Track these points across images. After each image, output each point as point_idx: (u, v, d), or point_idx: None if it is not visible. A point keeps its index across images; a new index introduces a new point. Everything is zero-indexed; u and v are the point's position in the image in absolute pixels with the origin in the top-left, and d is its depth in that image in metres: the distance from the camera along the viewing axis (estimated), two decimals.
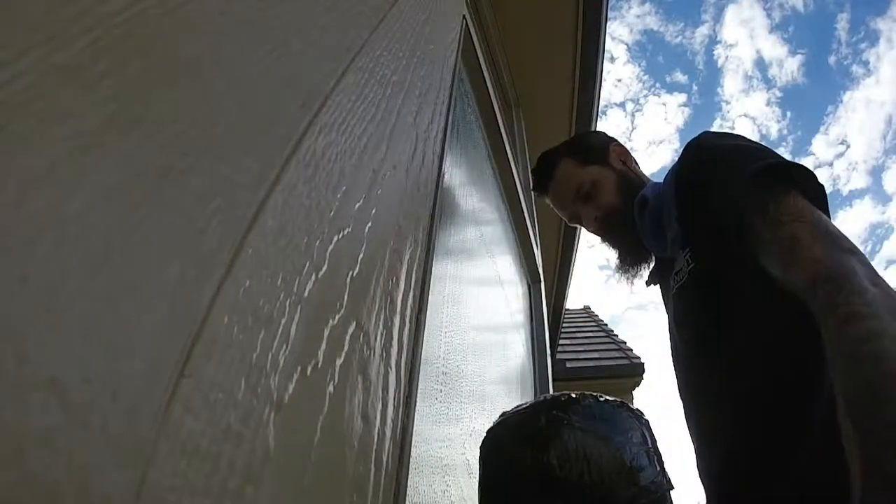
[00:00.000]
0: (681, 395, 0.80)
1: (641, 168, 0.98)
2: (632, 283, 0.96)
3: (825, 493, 0.61)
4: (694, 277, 0.76)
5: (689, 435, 0.79)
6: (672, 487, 0.31)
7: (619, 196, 0.91)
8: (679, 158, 0.80)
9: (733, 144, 0.73)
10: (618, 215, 0.91)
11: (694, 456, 0.77)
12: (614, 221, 0.92)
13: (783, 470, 0.63)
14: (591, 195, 0.93)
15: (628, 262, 0.94)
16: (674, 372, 0.84)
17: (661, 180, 0.86)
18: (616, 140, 0.99)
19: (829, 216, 0.63)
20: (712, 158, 0.73)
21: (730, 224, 0.67)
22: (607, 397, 0.51)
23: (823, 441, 0.63)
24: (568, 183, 0.95)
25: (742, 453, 0.68)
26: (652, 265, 0.97)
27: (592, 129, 1.04)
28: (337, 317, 0.30)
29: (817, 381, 0.65)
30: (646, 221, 0.84)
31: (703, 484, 0.75)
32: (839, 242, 0.57)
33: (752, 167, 0.65)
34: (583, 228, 1.05)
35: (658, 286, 0.97)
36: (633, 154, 0.99)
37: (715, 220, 0.70)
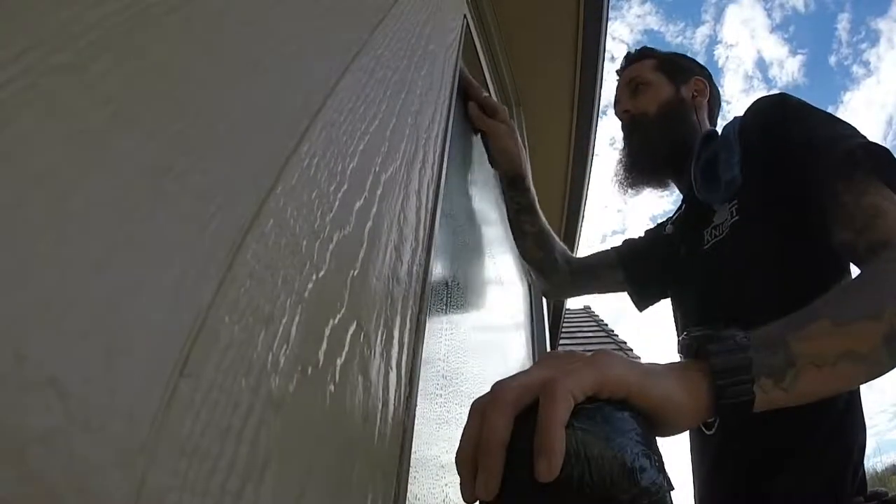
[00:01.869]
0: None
1: (708, 122, 0.95)
2: (625, 194, 0.97)
3: (821, 495, 0.61)
4: (735, 232, 0.73)
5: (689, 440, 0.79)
6: (673, 488, 0.31)
7: (657, 110, 0.92)
8: (754, 109, 0.77)
9: (824, 113, 0.70)
10: (644, 124, 0.93)
11: (690, 457, 0.77)
12: (638, 127, 0.94)
13: (781, 470, 0.63)
14: (637, 91, 0.96)
15: (629, 172, 0.95)
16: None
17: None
18: (706, 78, 0.97)
19: None
20: (800, 115, 0.70)
21: (812, 180, 0.64)
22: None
23: (825, 442, 0.63)
24: (634, 72, 0.98)
25: (743, 451, 0.68)
26: (654, 189, 0.96)
27: (689, 56, 1.04)
28: (337, 317, 0.30)
29: None
30: (707, 159, 0.81)
31: (696, 485, 0.75)
32: None
33: (848, 141, 0.63)
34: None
35: (672, 234, 0.92)
36: (717, 102, 0.97)
37: (788, 178, 0.68)
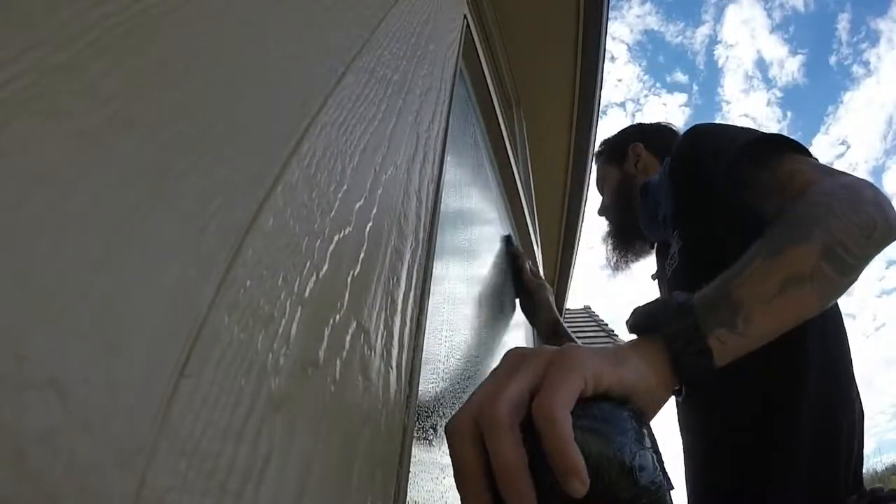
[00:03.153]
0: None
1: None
2: (617, 273, 1.13)
3: (812, 492, 0.61)
4: (682, 257, 0.78)
5: (681, 440, 0.79)
6: (672, 487, 0.31)
7: (613, 197, 1.09)
8: (675, 147, 0.84)
9: (725, 125, 0.78)
10: (608, 214, 1.12)
11: (683, 464, 0.77)
12: (607, 217, 1.13)
13: (768, 476, 0.63)
14: (602, 191, 1.14)
15: (613, 255, 1.11)
16: None
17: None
18: (639, 136, 1.09)
19: None
20: (708, 133, 0.77)
21: (721, 173, 0.68)
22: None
23: (812, 446, 0.63)
24: (595, 176, 1.17)
25: (730, 458, 0.68)
26: (643, 256, 1.08)
27: (660, 123, 1.16)
28: (337, 317, 0.30)
29: (817, 381, 0.65)
30: (646, 206, 0.92)
31: (686, 484, 0.75)
32: (839, 176, 0.58)
33: (748, 136, 0.68)
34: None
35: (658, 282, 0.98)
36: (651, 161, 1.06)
37: (705, 186, 0.73)
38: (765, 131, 0.70)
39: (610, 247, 1.12)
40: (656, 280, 1.00)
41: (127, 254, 0.17)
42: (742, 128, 0.73)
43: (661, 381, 0.38)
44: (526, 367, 0.33)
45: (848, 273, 0.47)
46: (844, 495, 0.62)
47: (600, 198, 1.15)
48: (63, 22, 0.18)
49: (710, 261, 0.70)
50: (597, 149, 1.19)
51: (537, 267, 1.72)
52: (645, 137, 1.08)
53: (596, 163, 1.17)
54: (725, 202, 0.69)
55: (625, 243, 1.08)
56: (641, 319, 0.42)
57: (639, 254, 1.09)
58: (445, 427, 0.33)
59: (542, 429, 0.30)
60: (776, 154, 0.64)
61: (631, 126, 1.16)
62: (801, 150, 0.65)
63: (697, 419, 0.75)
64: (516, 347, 0.37)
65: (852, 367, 0.69)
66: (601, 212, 1.14)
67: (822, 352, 0.66)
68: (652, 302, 0.43)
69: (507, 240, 1.26)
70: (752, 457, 0.65)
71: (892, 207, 0.52)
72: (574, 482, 0.28)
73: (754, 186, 0.64)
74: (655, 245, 0.99)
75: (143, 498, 0.16)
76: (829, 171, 0.59)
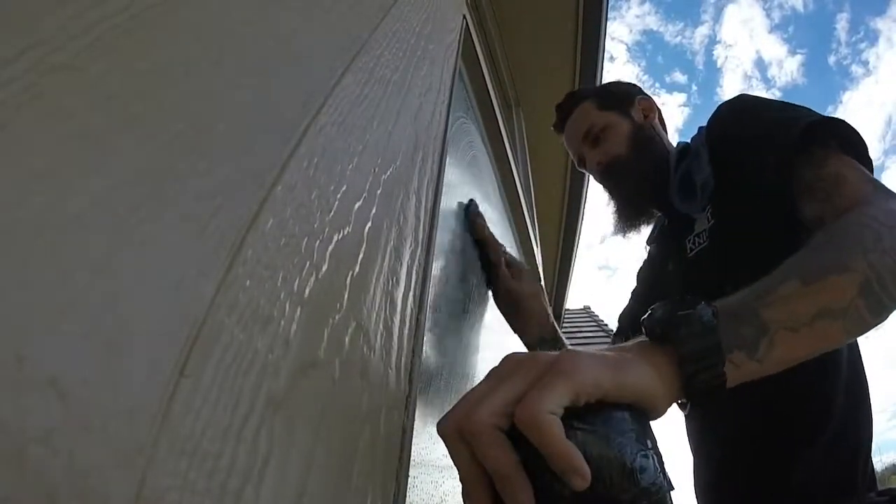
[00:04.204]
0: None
1: (665, 134, 0.94)
2: (627, 236, 0.94)
3: (832, 489, 0.61)
4: (714, 238, 0.73)
5: (688, 442, 0.79)
6: (672, 488, 0.31)
7: (627, 146, 0.89)
8: (715, 115, 0.77)
9: (778, 102, 0.71)
10: (621, 166, 0.89)
11: (693, 466, 0.77)
12: (617, 171, 0.90)
13: (785, 478, 0.63)
14: (599, 140, 0.91)
15: (626, 215, 0.92)
16: None
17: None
18: (646, 94, 0.96)
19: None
20: (755, 109, 0.71)
21: (769, 163, 0.63)
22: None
23: (835, 436, 0.63)
24: (581, 123, 0.93)
25: (744, 459, 0.67)
26: (655, 224, 0.95)
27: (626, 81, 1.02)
28: (337, 317, 0.30)
29: (831, 382, 0.65)
30: (683, 169, 0.81)
31: (698, 495, 0.74)
32: (888, 191, 0.54)
33: (800, 120, 0.62)
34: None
35: (654, 255, 0.92)
36: (662, 116, 0.96)
37: (749, 169, 0.67)
38: (817, 114, 0.63)
39: (622, 203, 0.92)
40: (653, 246, 0.92)
41: (127, 254, 0.17)
42: (786, 106, 0.67)
43: (668, 391, 0.36)
44: (518, 375, 0.33)
45: (880, 314, 0.44)
46: (863, 490, 0.62)
47: (589, 150, 0.93)
48: (63, 22, 0.18)
49: (746, 250, 0.66)
50: (573, 96, 0.98)
51: (536, 263, 1.67)
52: (649, 97, 0.96)
53: (575, 108, 0.95)
54: (770, 191, 0.64)
55: (642, 201, 0.90)
56: (659, 327, 0.38)
57: (651, 217, 0.94)
58: (437, 429, 0.33)
59: (529, 436, 0.30)
60: (823, 147, 0.59)
61: (626, 83, 1.00)
62: (857, 147, 0.61)
63: (712, 426, 0.74)
64: (514, 352, 0.36)
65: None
66: (603, 167, 0.91)
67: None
68: (674, 305, 0.39)
69: (468, 207, 0.87)
70: (776, 456, 0.64)
71: None
72: (575, 479, 0.28)
73: (795, 182, 0.60)
74: (668, 215, 0.88)
75: (144, 498, 0.16)
76: (882, 190, 0.55)
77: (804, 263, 0.45)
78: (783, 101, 0.71)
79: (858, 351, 0.70)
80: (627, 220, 0.92)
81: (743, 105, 0.73)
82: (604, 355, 0.35)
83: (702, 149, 0.76)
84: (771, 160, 0.63)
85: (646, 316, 0.40)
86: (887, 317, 0.45)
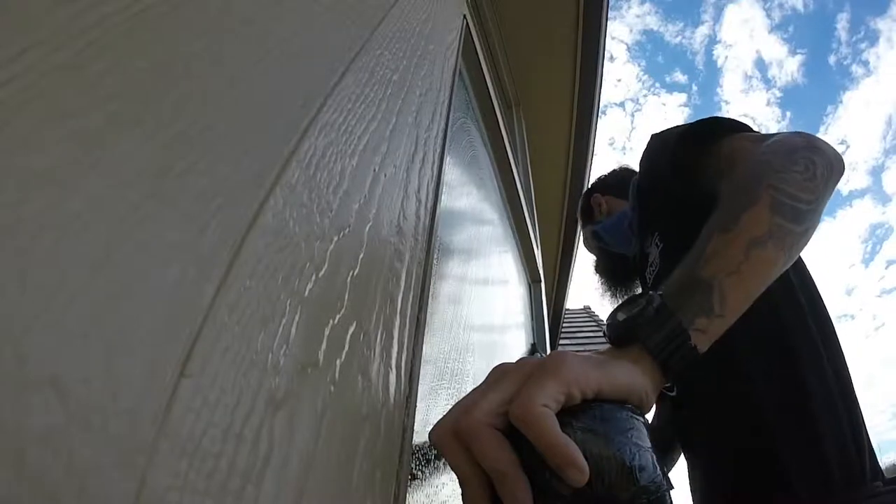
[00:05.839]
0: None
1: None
2: (619, 300, 1.17)
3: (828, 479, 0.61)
4: (663, 258, 0.78)
5: (682, 447, 0.79)
6: (672, 487, 0.31)
7: (591, 243, 1.17)
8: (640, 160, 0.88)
9: (678, 125, 0.83)
10: (598, 262, 1.21)
11: (686, 468, 0.77)
12: (598, 267, 1.21)
13: (775, 478, 0.63)
14: (591, 251, 1.22)
15: (613, 288, 1.17)
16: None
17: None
18: (597, 192, 1.18)
19: None
20: (657, 134, 0.79)
21: (671, 172, 0.70)
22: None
23: (836, 430, 0.63)
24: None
25: (733, 461, 0.67)
26: (637, 286, 1.12)
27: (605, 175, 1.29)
28: (337, 317, 0.30)
29: (815, 377, 0.65)
30: (611, 225, 1.02)
31: (694, 498, 0.75)
32: (770, 137, 0.58)
33: (681, 128, 0.70)
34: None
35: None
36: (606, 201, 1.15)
37: (667, 187, 0.75)
38: (711, 117, 0.71)
39: (607, 291, 1.19)
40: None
41: (127, 253, 0.17)
42: (686, 124, 0.73)
43: (652, 381, 0.37)
44: (506, 380, 0.33)
45: (804, 220, 0.47)
46: (867, 476, 0.62)
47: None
48: (63, 22, 0.18)
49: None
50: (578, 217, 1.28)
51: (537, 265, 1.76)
52: (604, 186, 1.17)
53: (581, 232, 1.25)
54: (685, 193, 0.70)
55: (617, 280, 1.15)
56: (622, 332, 0.40)
57: (633, 286, 1.15)
58: (429, 437, 0.33)
59: (524, 430, 0.30)
60: (714, 138, 0.65)
61: (592, 183, 1.26)
62: (740, 128, 0.66)
63: (704, 425, 0.74)
64: (501, 363, 0.36)
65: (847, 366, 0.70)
66: (595, 268, 1.22)
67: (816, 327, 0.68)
68: (625, 307, 0.41)
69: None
70: (756, 456, 0.64)
71: (827, 145, 0.53)
72: (573, 472, 0.28)
73: (703, 174, 0.65)
74: (633, 265, 1.02)
75: (144, 498, 0.16)
76: (761, 137, 0.59)
77: (718, 218, 0.48)
78: (685, 123, 0.79)
79: (838, 345, 0.70)
80: (612, 288, 1.18)
81: (650, 142, 0.81)
82: (588, 356, 0.36)
83: (633, 195, 0.89)
84: (665, 162, 0.70)
85: (605, 327, 0.43)
86: (816, 217, 0.48)
